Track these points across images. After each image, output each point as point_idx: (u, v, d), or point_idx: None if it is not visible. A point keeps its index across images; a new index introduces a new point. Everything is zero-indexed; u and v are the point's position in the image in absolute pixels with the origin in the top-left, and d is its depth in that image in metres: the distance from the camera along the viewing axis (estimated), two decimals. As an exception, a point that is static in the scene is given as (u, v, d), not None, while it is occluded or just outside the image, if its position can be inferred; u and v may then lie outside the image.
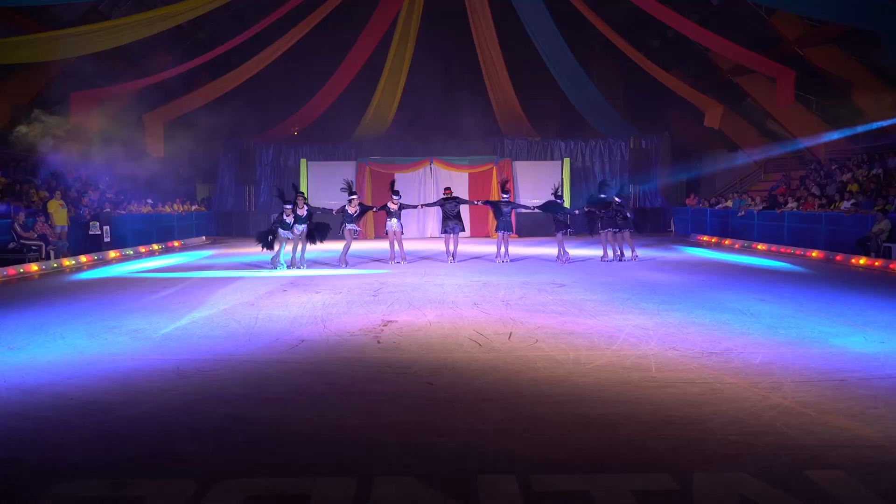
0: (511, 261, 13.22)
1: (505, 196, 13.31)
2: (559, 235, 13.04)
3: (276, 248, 12.13)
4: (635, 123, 23.28)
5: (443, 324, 7.14)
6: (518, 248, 15.55)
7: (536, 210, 13.77)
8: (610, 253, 13.19)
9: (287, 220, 12.06)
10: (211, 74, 21.46)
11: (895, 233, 13.13)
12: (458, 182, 20.55)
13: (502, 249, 13.25)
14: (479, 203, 15.02)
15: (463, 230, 13.33)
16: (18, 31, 15.31)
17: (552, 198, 13.21)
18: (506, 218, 13.15)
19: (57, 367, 5.45)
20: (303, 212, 12.22)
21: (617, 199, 12.98)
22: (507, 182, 14.04)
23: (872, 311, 7.76)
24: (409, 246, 14.35)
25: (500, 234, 13.23)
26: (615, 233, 13.02)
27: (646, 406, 4.47)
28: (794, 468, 3.49)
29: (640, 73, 21.98)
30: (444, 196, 13.48)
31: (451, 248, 13.26)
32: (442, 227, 13.37)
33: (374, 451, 3.79)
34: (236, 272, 12.00)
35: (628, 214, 13.12)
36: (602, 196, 13.07)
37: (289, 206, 12.06)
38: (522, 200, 13.78)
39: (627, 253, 13.28)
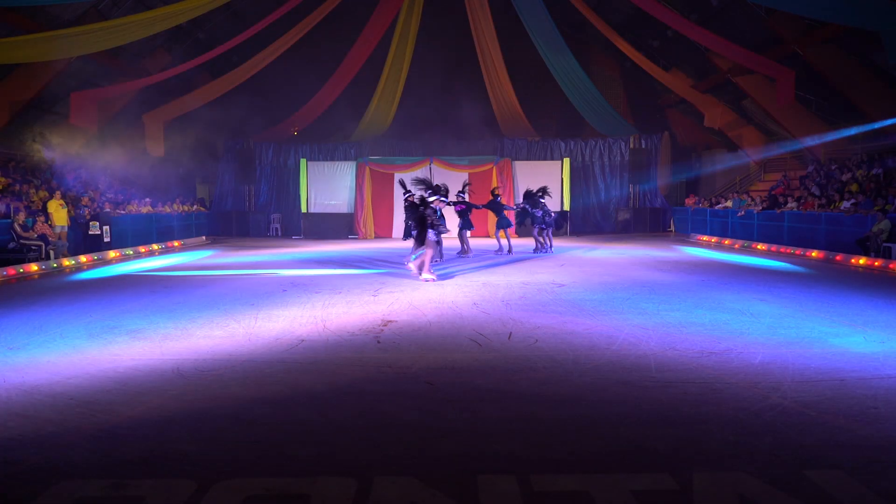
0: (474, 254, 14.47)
1: (463, 196, 14.18)
2: (501, 231, 14.97)
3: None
4: (635, 123, 23.28)
5: (443, 324, 7.14)
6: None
7: (482, 207, 15.32)
8: (539, 246, 15.23)
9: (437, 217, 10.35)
10: (211, 74, 21.47)
11: (895, 233, 13.13)
12: (458, 182, 20.55)
13: (465, 246, 14.37)
14: (453, 205, 15.02)
15: (446, 231, 13.56)
16: (18, 31, 15.31)
17: (491, 198, 15.04)
18: (467, 219, 14.35)
19: (57, 367, 5.45)
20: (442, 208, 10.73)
21: (542, 200, 14.99)
22: (467, 185, 14.61)
23: (872, 311, 7.76)
24: (406, 245, 14.33)
25: (464, 232, 14.39)
26: (542, 229, 15.14)
27: (646, 406, 4.47)
28: (794, 468, 3.50)
29: (640, 73, 22.00)
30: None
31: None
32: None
33: (374, 451, 3.79)
34: (236, 272, 12.00)
35: (553, 214, 15.45)
36: (542, 200, 15.00)
37: (439, 198, 10.55)
38: (523, 200, 14.69)
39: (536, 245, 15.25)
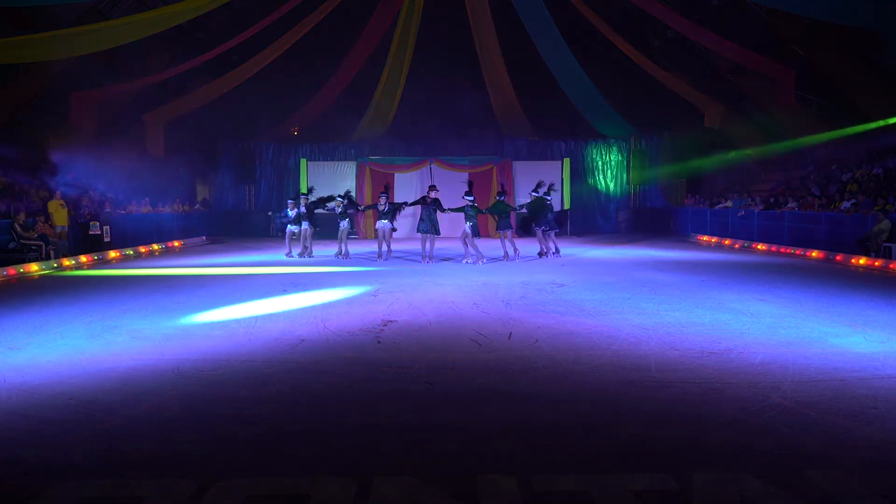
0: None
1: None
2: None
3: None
4: (635, 123, 23.26)
5: (443, 324, 7.14)
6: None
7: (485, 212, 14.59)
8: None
9: None
10: (211, 74, 21.45)
11: (895, 233, 13.12)
12: (458, 182, 20.54)
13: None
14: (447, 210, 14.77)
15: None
16: (18, 31, 15.31)
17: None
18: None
19: (57, 367, 5.45)
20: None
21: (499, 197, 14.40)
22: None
23: (872, 311, 7.76)
24: (408, 245, 14.39)
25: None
26: (545, 231, 14.48)
27: (646, 406, 4.47)
28: (794, 468, 3.50)
29: (640, 73, 21.98)
30: (425, 196, 13.81)
31: (427, 247, 13.45)
32: (418, 226, 13.73)
33: (374, 451, 3.79)
34: (236, 271, 12.00)
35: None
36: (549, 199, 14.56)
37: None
38: (523, 200, 14.34)
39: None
